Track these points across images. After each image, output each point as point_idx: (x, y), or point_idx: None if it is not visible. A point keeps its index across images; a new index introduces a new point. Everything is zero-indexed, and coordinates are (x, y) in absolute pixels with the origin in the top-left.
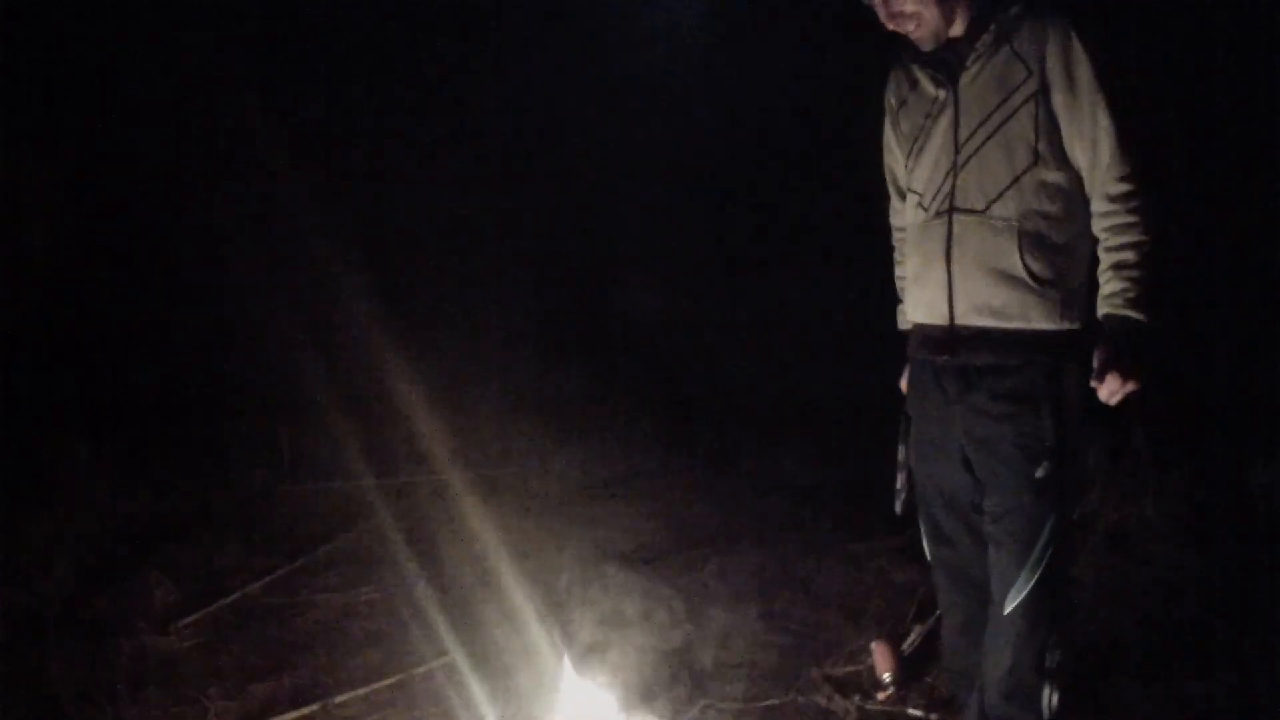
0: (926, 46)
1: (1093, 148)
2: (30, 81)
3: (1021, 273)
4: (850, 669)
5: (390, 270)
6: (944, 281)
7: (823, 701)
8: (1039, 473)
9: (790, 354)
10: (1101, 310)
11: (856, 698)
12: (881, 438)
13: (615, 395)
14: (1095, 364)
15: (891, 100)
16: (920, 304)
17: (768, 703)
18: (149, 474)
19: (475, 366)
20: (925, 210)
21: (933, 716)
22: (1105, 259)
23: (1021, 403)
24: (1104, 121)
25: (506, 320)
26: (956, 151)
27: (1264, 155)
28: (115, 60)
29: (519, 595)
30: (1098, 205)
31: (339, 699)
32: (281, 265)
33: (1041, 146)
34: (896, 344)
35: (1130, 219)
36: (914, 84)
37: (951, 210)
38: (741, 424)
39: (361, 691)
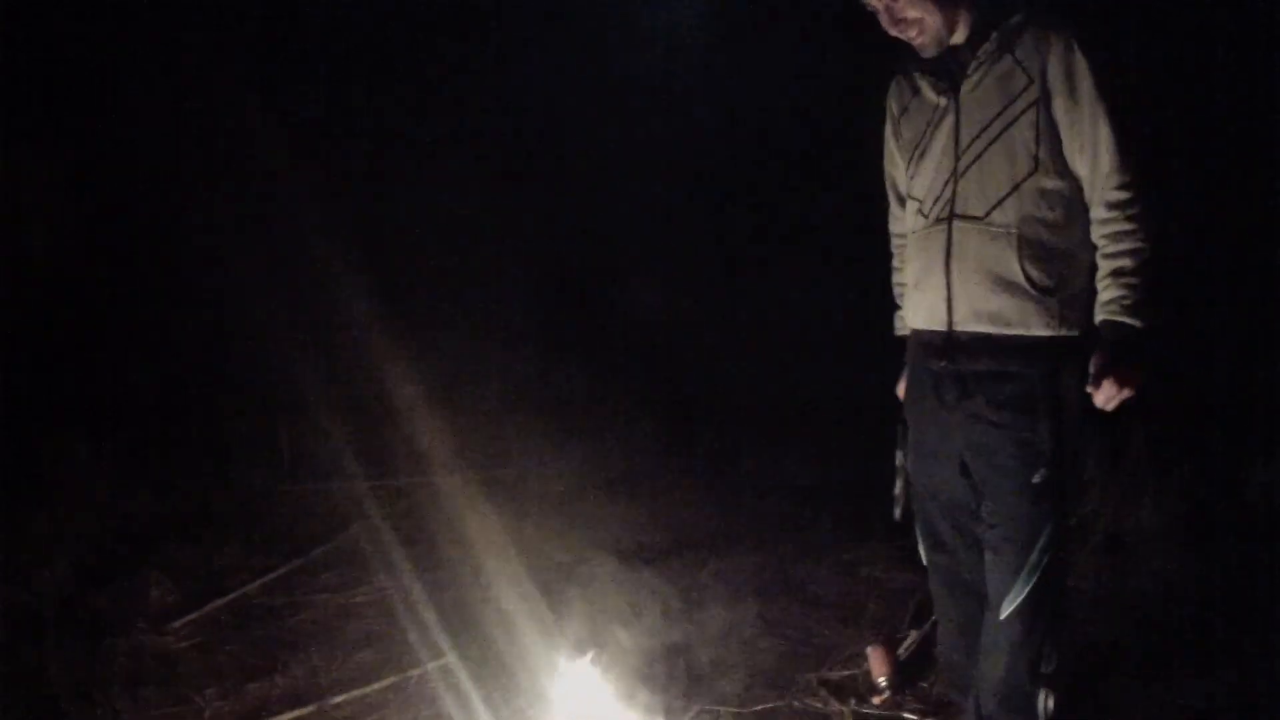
0: (928, 53)
1: (1093, 156)
2: (30, 81)
3: (1021, 279)
4: (846, 673)
5: (390, 270)
6: (943, 287)
7: (819, 705)
8: (1036, 479)
9: (790, 354)
10: (1099, 316)
11: (852, 701)
12: (881, 439)
13: (615, 395)
14: (1092, 370)
15: (893, 107)
16: (919, 310)
17: (763, 706)
18: (149, 474)
19: (475, 366)
20: (925, 217)
21: None
22: (1104, 266)
23: (1019, 409)
24: (1104, 130)
25: (506, 320)
26: (957, 158)
27: (1264, 155)
28: (115, 60)
29: (517, 596)
30: (1097, 213)
31: (336, 699)
32: (281, 265)
33: (1042, 154)
34: (896, 345)
35: (1129, 226)
36: (916, 91)
37: (951, 217)
38: (741, 424)
39: (358, 692)
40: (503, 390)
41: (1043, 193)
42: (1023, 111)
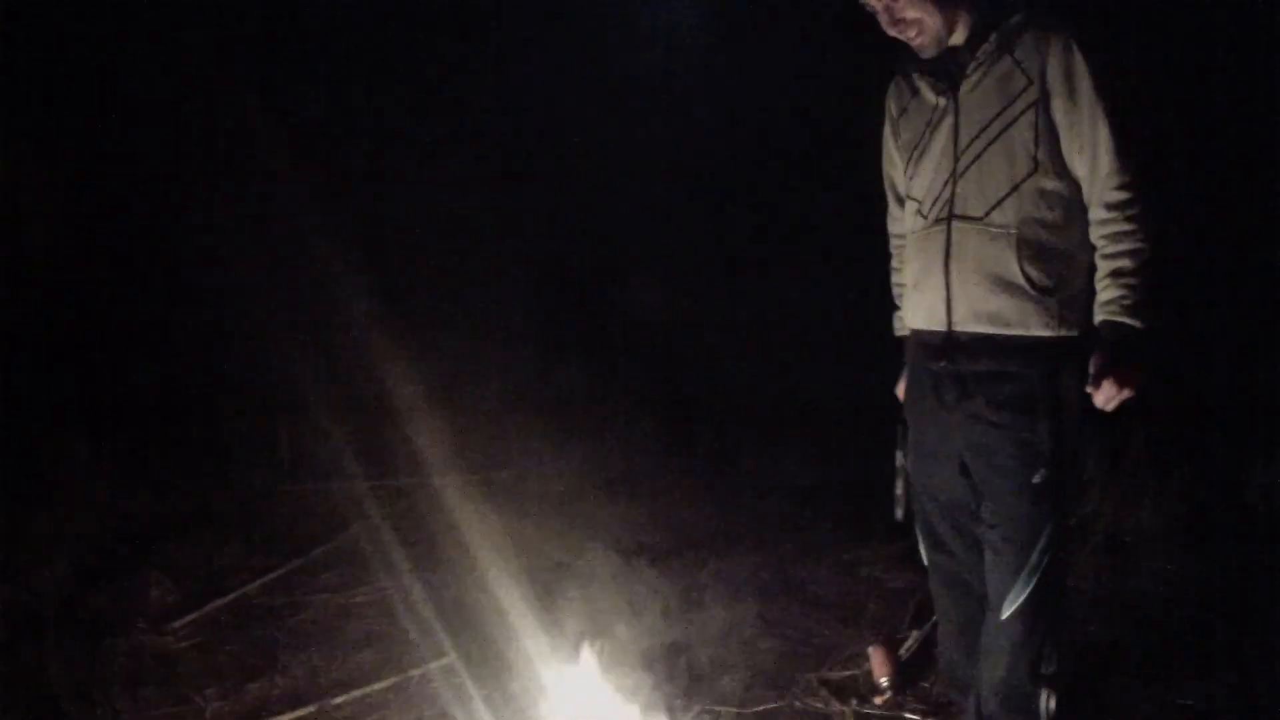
0: (927, 54)
1: (1092, 157)
2: (30, 81)
3: (1020, 279)
4: (847, 673)
5: (390, 270)
6: (942, 288)
7: (819, 705)
8: (1036, 479)
9: (790, 354)
10: (1098, 317)
11: (853, 702)
12: (881, 439)
13: (615, 395)
14: (1092, 370)
15: (892, 108)
16: (919, 310)
17: (764, 706)
18: (149, 474)
19: (475, 366)
20: (924, 217)
21: None
22: (1103, 266)
23: (1019, 409)
24: (1103, 131)
25: (506, 320)
26: (956, 159)
27: (1264, 155)
28: (115, 60)
29: (517, 597)
30: (1096, 213)
31: (336, 700)
32: (281, 265)
33: (1041, 155)
34: (896, 345)
35: (1128, 227)
36: (915, 92)
37: (950, 217)
38: (741, 424)
39: (358, 693)
40: (503, 390)
41: (1042, 193)
42: (1022, 112)
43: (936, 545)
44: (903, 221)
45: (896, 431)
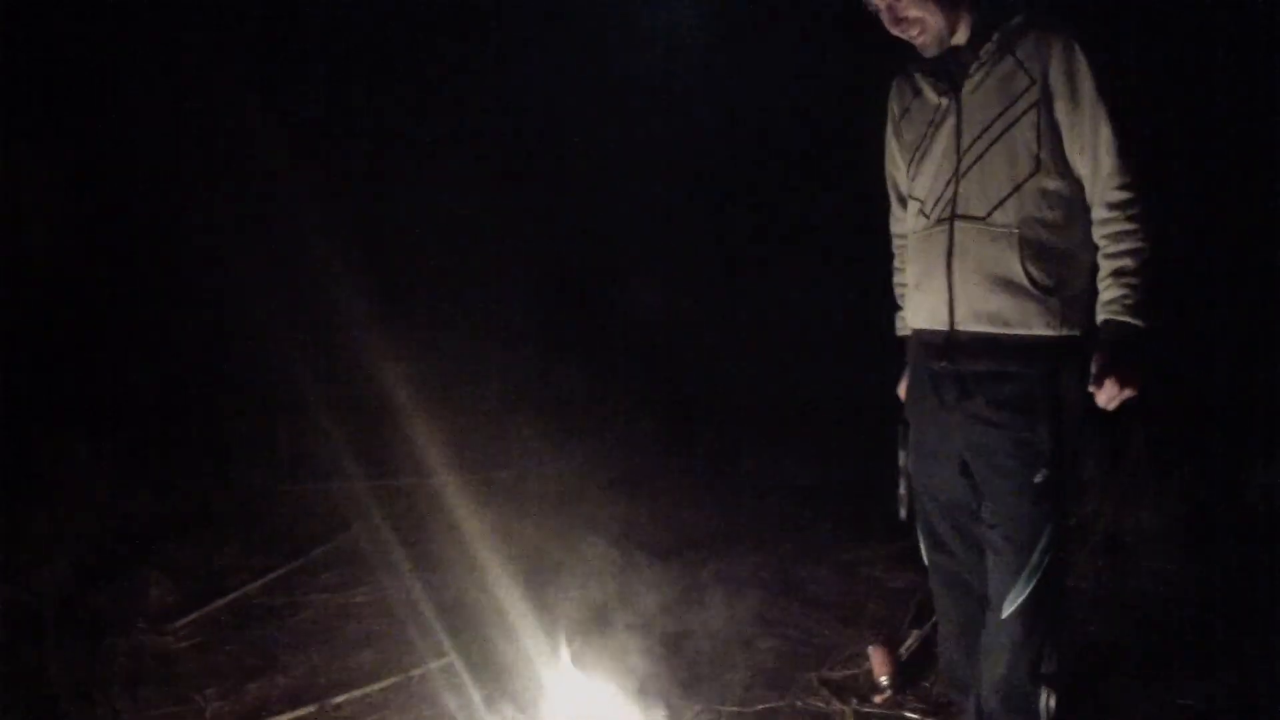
0: (929, 53)
1: (1093, 157)
2: (30, 81)
3: (1022, 279)
4: (847, 672)
5: (390, 270)
6: (944, 288)
7: (820, 704)
8: (1037, 479)
9: (790, 354)
10: (1100, 316)
11: (853, 701)
12: (881, 439)
13: (615, 395)
14: (1093, 370)
15: (894, 108)
16: (921, 310)
17: (764, 705)
18: (149, 474)
19: (475, 366)
20: (926, 217)
21: None
22: (1105, 266)
23: (1019, 409)
24: (1105, 131)
25: (506, 320)
26: (958, 159)
27: (1264, 155)
28: (115, 60)
29: (516, 597)
30: (1098, 213)
31: (336, 700)
32: (281, 265)
33: (1043, 154)
34: (896, 345)
35: (1130, 226)
36: (917, 92)
37: (953, 217)
38: (741, 424)
39: (358, 692)
40: (503, 390)
41: (1044, 193)
42: (1024, 112)
43: (937, 545)
44: (905, 222)
45: (898, 431)
